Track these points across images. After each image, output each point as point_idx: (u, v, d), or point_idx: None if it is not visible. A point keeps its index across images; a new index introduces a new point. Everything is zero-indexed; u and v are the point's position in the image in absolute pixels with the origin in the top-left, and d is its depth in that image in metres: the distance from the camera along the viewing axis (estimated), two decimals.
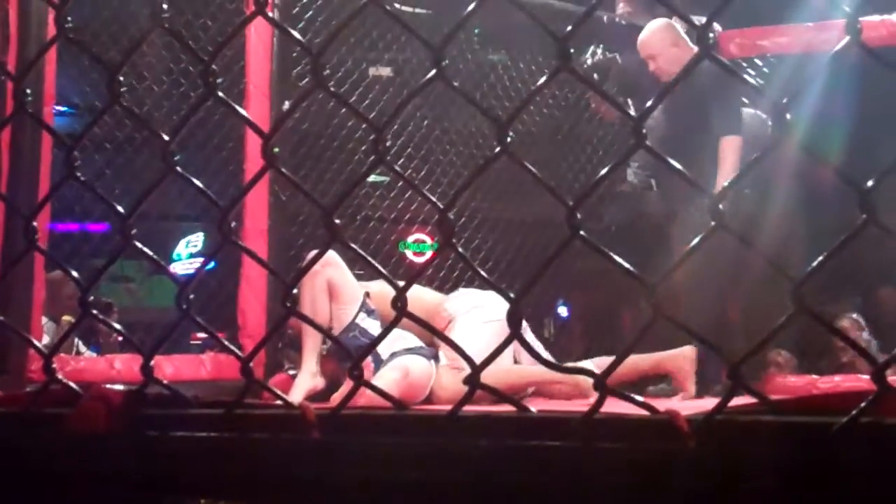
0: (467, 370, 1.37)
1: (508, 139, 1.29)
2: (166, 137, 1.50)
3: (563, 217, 1.25)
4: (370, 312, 4.63)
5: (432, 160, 6.94)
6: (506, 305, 1.30)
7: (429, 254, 8.23)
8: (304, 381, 4.47)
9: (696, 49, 4.60)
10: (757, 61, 6.40)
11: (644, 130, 1.20)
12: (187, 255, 9.91)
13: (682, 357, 4.65)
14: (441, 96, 6.70)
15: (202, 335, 6.36)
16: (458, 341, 4.56)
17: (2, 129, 3.70)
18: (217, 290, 5.79)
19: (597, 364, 4.29)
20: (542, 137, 7.04)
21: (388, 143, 1.43)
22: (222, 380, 5.07)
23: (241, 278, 5.51)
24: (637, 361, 4.57)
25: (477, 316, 4.59)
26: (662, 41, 5.59)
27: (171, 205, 7.20)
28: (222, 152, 5.97)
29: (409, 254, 8.09)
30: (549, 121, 7.16)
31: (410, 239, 8.22)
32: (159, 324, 6.87)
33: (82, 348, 5.97)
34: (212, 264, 5.67)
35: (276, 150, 1.45)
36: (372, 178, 6.67)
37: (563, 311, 8.36)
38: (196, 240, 10.09)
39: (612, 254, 1.25)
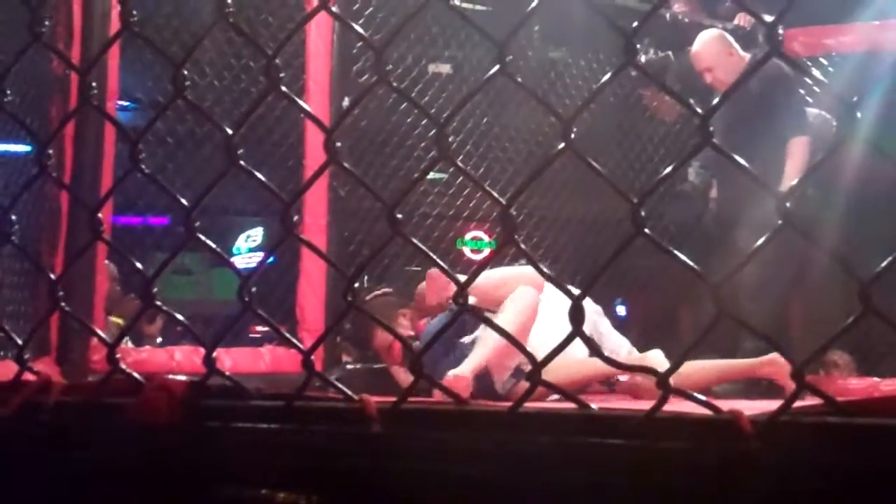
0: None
1: (572, 135, 1.28)
2: (230, 131, 1.51)
3: (623, 215, 1.24)
4: None
5: (490, 158, 6.93)
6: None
7: (486, 251, 8.21)
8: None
9: (748, 57, 4.56)
10: (822, 60, 6.34)
11: (711, 128, 1.19)
12: (247, 250, 9.98)
13: (778, 361, 4.46)
14: (499, 94, 6.68)
15: (261, 328, 6.41)
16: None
17: (67, 122, 3.75)
18: (276, 284, 5.83)
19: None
20: (595, 136, 6.99)
21: (449, 139, 1.43)
22: (281, 373, 5.10)
23: (299, 273, 5.55)
24: (722, 367, 4.52)
25: (545, 307, 4.60)
26: (717, 52, 5.60)
27: (231, 199, 7.24)
28: (281, 149, 6.00)
29: (466, 251, 8.08)
30: (604, 119, 7.12)
31: (468, 236, 8.20)
32: (219, 316, 6.91)
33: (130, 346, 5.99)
34: (271, 259, 5.71)
35: (339, 144, 1.46)
36: (430, 175, 6.68)
37: (620, 310, 8.31)
38: (255, 234, 10.16)
39: (676, 251, 1.24)
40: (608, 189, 1.30)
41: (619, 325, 7.84)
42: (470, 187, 6.92)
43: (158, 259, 1.60)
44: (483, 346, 4.35)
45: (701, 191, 5.97)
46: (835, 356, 5.74)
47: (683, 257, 1.23)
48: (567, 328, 1.30)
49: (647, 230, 1.23)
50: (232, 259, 9.31)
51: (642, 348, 5.04)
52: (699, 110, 1.20)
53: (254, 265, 8.69)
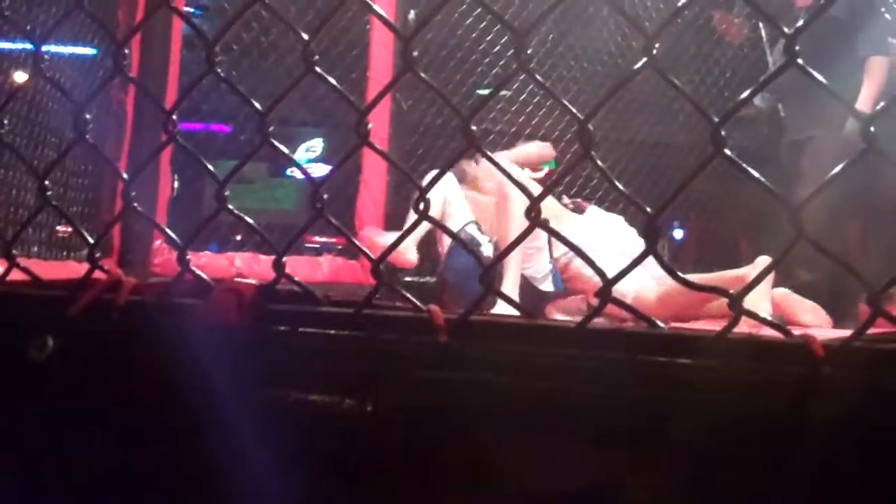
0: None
1: (654, 52, 1.26)
2: (306, 36, 1.50)
3: (683, 140, 1.23)
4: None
5: (554, 76, 6.87)
6: (626, 234, 1.29)
7: (545, 170, 8.16)
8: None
9: None
10: None
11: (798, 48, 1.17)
12: (306, 160, 9.98)
13: None
14: (565, 14, 6.60)
15: (320, 239, 6.44)
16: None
17: (145, 22, 3.74)
18: (334, 195, 5.85)
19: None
20: (663, 59, 6.88)
21: (529, 52, 1.42)
22: (339, 283, 5.14)
23: (360, 183, 5.56)
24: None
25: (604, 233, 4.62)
26: None
27: (291, 111, 7.23)
28: (345, 61, 5.97)
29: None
30: (671, 41, 7.01)
31: None
32: (279, 225, 6.93)
33: None
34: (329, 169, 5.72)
35: (415, 53, 1.44)
36: (489, 92, 6.57)
37: (678, 234, 8.27)
38: (315, 145, 10.14)
39: (755, 173, 1.22)
40: (671, 112, 1.28)
41: (676, 248, 7.84)
42: (532, 105, 6.87)
43: (219, 167, 1.59)
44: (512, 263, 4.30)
45: (766, 115, 5.88)
46: None
47: (763, 180, 1.21)
48: (627, 253, 1.29)
49: (727, 150, 1.21)
50: (292, 169, 9.35)
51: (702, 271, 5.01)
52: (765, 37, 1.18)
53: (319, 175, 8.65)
